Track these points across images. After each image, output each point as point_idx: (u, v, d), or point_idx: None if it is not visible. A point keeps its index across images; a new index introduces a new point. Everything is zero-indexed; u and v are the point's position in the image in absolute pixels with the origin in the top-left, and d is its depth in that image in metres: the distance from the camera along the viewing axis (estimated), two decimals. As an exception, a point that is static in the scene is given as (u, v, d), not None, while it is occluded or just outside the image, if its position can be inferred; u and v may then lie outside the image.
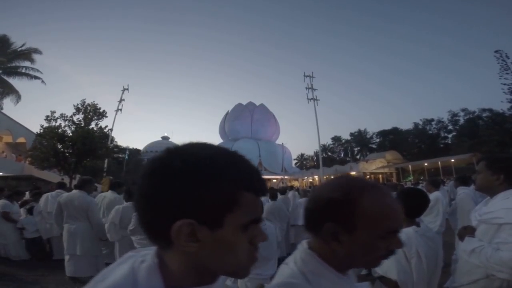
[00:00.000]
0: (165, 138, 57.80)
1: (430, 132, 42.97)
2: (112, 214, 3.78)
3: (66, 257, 4.14)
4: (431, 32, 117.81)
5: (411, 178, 28.23)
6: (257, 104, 47.18)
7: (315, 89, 28.79)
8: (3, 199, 5.45)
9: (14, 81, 22.42)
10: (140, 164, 37.47)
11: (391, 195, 0.68)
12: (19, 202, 6.07)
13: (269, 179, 33.24)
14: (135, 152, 44.32)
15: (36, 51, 23.64)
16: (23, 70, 22.64)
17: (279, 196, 5.88)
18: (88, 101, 14.87)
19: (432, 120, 43.13)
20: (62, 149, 13.71)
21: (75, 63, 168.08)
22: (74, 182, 12.07)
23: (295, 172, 41.89)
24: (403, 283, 1.45)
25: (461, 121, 39.97)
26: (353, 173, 33.16)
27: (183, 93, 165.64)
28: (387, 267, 1.49)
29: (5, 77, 22.03)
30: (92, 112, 14.71)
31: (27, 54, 23.03)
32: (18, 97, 22.57)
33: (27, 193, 7.41)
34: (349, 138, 53.36)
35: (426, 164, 29.61)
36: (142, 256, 0.48)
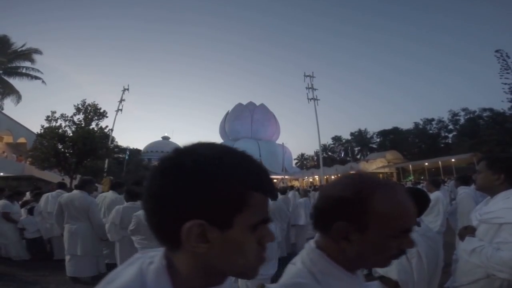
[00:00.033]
0: (165, 138, 57.85)
1: (431, 131, 42.91)
2: (113, 214, 3.78)
3: (67, 257, 4.15)
4: (431, 31, 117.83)
5: (411, 178, 28.20)
6: (257, 104, 47.20)
7: (315, 89, 28.83)
8: (3, 199, 5.45)
9: (15, 82, 22.49)
10: (140, 164, 37.52)
11: (404, 193, 0.66)
12: (20, 202, 6.07)
13: (270, 179, 33.11)
14: (135, 152, 44.35)
15: (37, 51, 23.70)
16: (24, 71, 22.69)
17: (280, 196, 5.88)
18: (88, 101, 14.91)
19: (433, 119, 43.10)
20: (62, 149, 13.72)
21: (75, 63, 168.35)
22: (75, 182, 12.08)
23: (295, 172, 41.87)
24: (403, 283, 1.45)
25: (462, 120, 39.92)
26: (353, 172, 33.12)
27: (183, 93, 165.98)
28: (388, 267, 1.49)
29: (6, 78, 22.06)
30: (93, 112, 14.73)
31: (27, 54, 23.07)
32: (19, 97, 22.62)
33: (27, 193, 7.42)
34: (349, 138, 53.34)
35: (426, 164, 29.59)
36: (150, 258, 0.48)
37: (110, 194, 4.82)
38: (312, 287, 0.62)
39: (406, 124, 76.87)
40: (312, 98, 28.47)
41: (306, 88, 28.83)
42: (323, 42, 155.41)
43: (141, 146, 53.71)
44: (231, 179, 0.44)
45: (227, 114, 47.96)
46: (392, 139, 45.15)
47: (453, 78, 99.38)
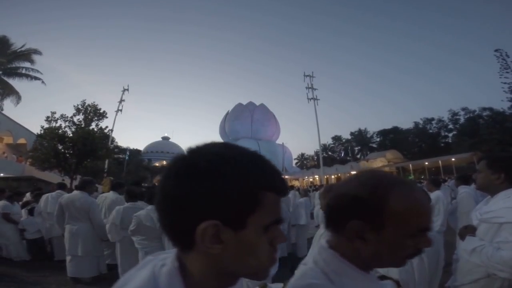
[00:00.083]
0: (165, 139, 57.90)
1: (431, 131, 42.91)
2: (113, 214, 3.78)
3: (68, 258, 4.15)
4: (431, 31, 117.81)
5: (411, 177, 28.20)
6: (257, 104, 47.20)
7: (315, 89, 28.81)
8: (3, 200, 5.45)
9: (14, 82, 22.48)
10: (140, 164, 37.51)
11: (421, 191, 0.65)
12: (21, 203, 6.07)
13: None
14: (135, 152, 44.34)
15: (36, 51, 23.68)
16: (23, 71, 22.67)
17: (280, 196, 5.87)
18: (88, 102, 14.92)
19: (433, 119, 43.10)
20: (62, 150, 13.73)
21: (74, 63, 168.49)
22: (75, 182, 12.08)
23: (295, 172, 41.88)
24: (405, 282, 1.45)
25: (462, 120, 39.91)
26: (353, 172, 33.14)
27: (183, 93, 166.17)
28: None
29: (5, 78, 22.05)
30: (93, 112, 14.73)
31: (27, 55, 23.06)
32: (18, 98, 22.60)
33: (28, 194, 7.42)
34: (349, 137, 53.31)
35: (426, 163, 29.59)
36: (162, 260, 0.48)
37: (110, 195, 4.82)
38: None
39: (406, 123, 76.99)
40: (312, 98, 28.46)
41: (306, 88, 28.84)
42: (323, 42, 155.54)
43: (141, 147, 53.74)
44: (245, 179, 0.44)
45: (227, 114, 47.97)
46: (392, 138, 45.14)
47: (453, 78, 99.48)
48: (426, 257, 1.47)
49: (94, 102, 15.03)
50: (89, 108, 14.69)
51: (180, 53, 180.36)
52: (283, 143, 40.22)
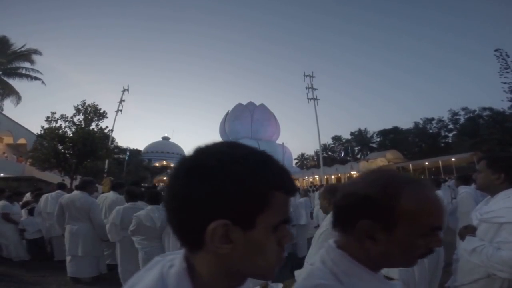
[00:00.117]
0: (165, 139, 57.94)
1: (431, 131, 42.89)
2: (113, 214, 3.78)
3: (68, 258, 4.15)
4: (431, 30, 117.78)
5: (411, 177, 28.14)
6: (257, 104, 47.22)
7: (315, 89, 28.80)
8: (3, 200, 5.45)
9: (14, 82, 22.49)
10: (140, 164, 37.52)
11: (433, 190, 0.64)
12: (21, 203, 6.07)
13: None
14: (135, 152, 44.36)
15: (36, 52, 23.69)
16: (23, 71, 22.69)
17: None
18: (88, 102, 14.92)
19: (433, 119, 43.07)
20: (62, 150, 13.74)
21: (74, 62, 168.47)
22: (75, 183, 12.09)
23: (295, 172, 41.86)
24: (405, 282, 1.45)
25: (462, 120, 39.90)
26: (353, 172, 33.15)
27: (183, 92, 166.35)
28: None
29: (5, 78, 22.06)
30: (93, 113, 14.74)
31: (27, 55, 23.07)
32: (19, 98, 22.61)
33: (28, 194, 7.42)
34: (349, 137, 53.28)
35: (426, 163, 29.58)
36: (170, 261, 0.48)
37: (111, 195, 4.82)
38: None
39: (406, 123, 76.98)
40: (312, 98, 28.46)
41: (306, 87, 28.83)
42: (323, 41, 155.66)
43: (141, 147, 53.74)
44: (255, 178, 0.44)
45: (227, 114, 47.99)
46: (392, 138, 45.12)
47: (453, 78, 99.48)
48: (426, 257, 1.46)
49: (94, 102, 15.06)
50: (89, 108, 14.70)
51: (180, 53, 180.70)
52: (283, 143, 40.29)
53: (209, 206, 0.42)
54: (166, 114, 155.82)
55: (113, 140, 23.69)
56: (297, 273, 1.93)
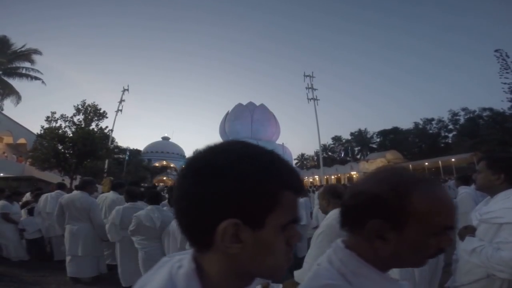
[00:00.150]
0: (165, 139, 57.83)
1: (431, 131, 42.89)
2: (113, 214, 3.79)
3: (68, 258, 4.15)
4: (430, 30, 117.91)
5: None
6: (257, 104, 47.25)
7: (315, 89, 28.81)
8: (2, 200, 5.44)
9: (14, 82, 22.49)
10: (140, 164, 37.50)
11: (444, 189, 0.63)
12: (21, 203, 6.07)
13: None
14: (135, 152, 44.34)
15: (36, 51, 23.70)
16: (23, 71, 22.69)
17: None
18: (88, 101, 14.94)
19: (433, 119, 43.08)
20: (62, 150, 13.75)
21: (73, 62, 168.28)
22: (75, 182, 12.09)
23: (295, 172, 41.79)
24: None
25: (462, 120, 39.91)
26: (353, 172, 33.16)
27: (183, 92, 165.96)
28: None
29: (5, 78, 22.06)
30: (93, 113, 14.75)
31: (27, 55, 23.07)
32: (19, 98, 22.61)
33: (28, 194, 7.42)
34: (349, 137, 53.30)
35: (426, 163, 29.59)
36: (178, 261, 0.48)
37: (111, 195, 4.82)
38: None
39: (406, 124, 76.88)
40: (312, 98, 28.47)
41: (306, 88, 28.84)
42: (323, 41, 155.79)
43: (141, 147, 53.68)
44: (265, 178, 0.44)
45: (227, 114, 48.00)
46: (392, 139, 45.13)
47: (453, 78, 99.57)
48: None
49: (94, 102, 15.08)
50: (89, 108, 14.72)
51: (180, 52, 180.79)
52: (283, 143, 40.23)
53: (219, 206, 0.42)
54: (166, 114, 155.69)
55: (113, 140, 23.70)
56: (296, 273, 1.94)
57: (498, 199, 1.50)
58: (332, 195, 2.09)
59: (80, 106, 14.56)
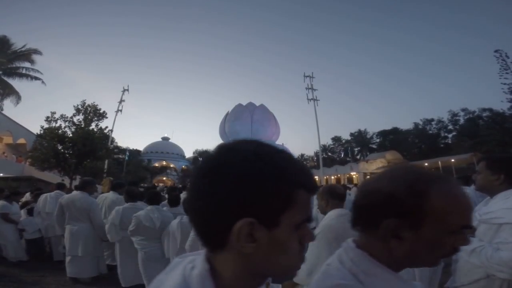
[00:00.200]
0: (165, 139, 57.84)
1: (430, 132, 42.91)
2: (113, 215, 3.78)
3: (68, 258, 4.15)
4: (430, 29, 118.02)
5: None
6: (257, 104, 47.28)
7: (315, 89, 28.85)
8: (2, 200, 5.43)
9: (14, 82, 22.50)
10: (140, 165, 37.50)
11: (460, 187, 0.62)
12: (20, 203, 6.06)
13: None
14: (135, 152, 44.35)
15: (36, 51, 23.71)
16: (23, 71, 22.69)
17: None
18: (88, 101, 14.93)
19: (432, 120, 43.10)
20: (62, 150, 13.73)
21: (73, 61, 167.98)
22: (75, 183, 12.08)
23: (295, 172, 41.76)
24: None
25: (461, 121, 39.93)
26: (353, 173, 33.17)
27: (183, 92, 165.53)
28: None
29: (5, 78, 22.07)
30: (92, 113, 14.74)
31: (27, 55, 23.09)
32: (18, 98, 22.62)
33: (27, 194, 7.41)
34: (349, 138, 53.32)
35: (426, 164, 29.50)
36: (191, 262, 0.48)
37: (111, 195, 4.82)
38: None
39: (405, 124, 76.95)
40: (311, 99, 28.49)
41: (306, 88, 28.87)
42: (323, 40, 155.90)
43: (141, 147, 53.69)
44: (280, 176, 0.44)
45: (227, 114, 48.01)
46: (392, 139, 45.13)
47: (453, 78, 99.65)
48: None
49: (94, 102, 15.06)
50: (89, 108, 14.70)
51: (180, 52, 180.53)
52: (283, 143, 40.26)
53: (234, 205, 0.42)
54: (166, 114, 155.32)
55: (113, 140, 23.73)
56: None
57: (498, 199, 1.50)
58: (331, 195, 2.09)
59: (80, 106, 14.54)
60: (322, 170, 28.11)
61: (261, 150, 0.46)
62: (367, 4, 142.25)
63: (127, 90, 29.50)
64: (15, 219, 5.38)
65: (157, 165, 46.92)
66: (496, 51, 26.01)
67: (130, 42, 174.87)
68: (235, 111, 46.36)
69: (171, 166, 49.73)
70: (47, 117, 13.80)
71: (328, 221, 1.94)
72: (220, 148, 0.48)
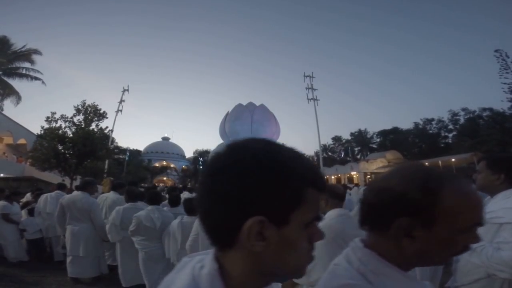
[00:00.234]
0: (165, 139, 57.84)
1: (431, 131, 42.88)
2: (113, 215, 3.79)
3: (69, 258, 4.15)
4: (430, 28, 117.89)
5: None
6: (257, 104, 47.29)
7: (315, 89, 28.85)
8: (2, 201, 5.43)
9: (14, 82, 22.51)
10: (140, 165, 37.50)
11: (471, 185, 0.62)
12: (21, 203, 6.06)
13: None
14: (135, 153, 44.35)
15: (36, 52, 23.72)
16: (23, 71, 22.71)
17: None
18: (88, 102, 14.95)
19: (433, 119, 43.06)
20: (62, 150, 13.74)
21: (73, 61, 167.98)
22: (75, 183, 12.09)
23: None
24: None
25: (462, 120, 39.88)
26: (353, 173, 33.15)
27: (184, 92, 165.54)
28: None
29: (6, 78, 22.08)
30: (93, 113, 14.75)
31: (27, 55, 23.10)
32: (19, 98, 22.63)
33: (28, 194, 7.41)
34: (349, 138, 53.29)
35: (426, 163, 28.95)
36: (199, 262, 0.47)
37: (111, 195, 4.82)
38: None
39: (406, 124, 76.90)
40: (312, 99, 28.49)
41: (306, 88, 28.87)
42: (323, 40, 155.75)
43: (141, 147, 53.68)
44: (291, 175, 0.43)
45: (227, 114, 48.02)
46: (392, 139, 45.10)
47: (453, 78, 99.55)
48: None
49: (94, 102, 15.08)
50: (89, 109, 14.72)
51: (180, 52, 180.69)
52: (283, 143, 40.13)
53: (245, 203, 0.42)
54: (166, 114, 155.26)
55: (113, 140, 23.73)
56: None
57: (498, 199, 1.50)
58: (331, 195, 2.09)
59: (80, 107, 14.56)
60: (323, 170, 28.10)
61: (270, 148, 0.46)
62: (367, 2, 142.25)
63: (127, 90, 29.54)
64: (16, 220, 5.38)
65: (157, 165, 46.94)
66: (496, 50, 26.01)
67: (130, 41, 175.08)
68: (235, 111, 46.34)
69: (172, 166, 49.74)
70: (48, 117, 13.82)
71: (327, 221, 1.94)
72: (229, 146, 0.47)
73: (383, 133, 48.20)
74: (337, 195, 2.08)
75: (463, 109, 39.82)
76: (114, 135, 23.86)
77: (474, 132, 31.95)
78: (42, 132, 13.70)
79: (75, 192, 4.36)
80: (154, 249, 3.39)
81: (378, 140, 49.79)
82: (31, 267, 4.93)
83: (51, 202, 5.38)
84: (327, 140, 55.37)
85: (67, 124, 14.12)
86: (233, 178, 0.42)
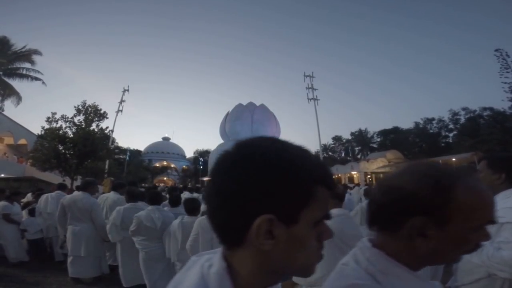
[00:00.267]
0: (165, 139, 57.86)
1: (431, 131, 42.84)
2: (113, 215, 3.79)
3: (70, 258, 4.16)
4: (431, 28, 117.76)
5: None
6: (258, 104, 47.33)
7: (315, 89, 28.85)
8: (3, 201, 5.44)
9: (15, 83, 22.54)
10: (141, 165, 37.54)
11: (482, 182, 0.61)
12: (22, 204, 6.07)
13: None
14: (136, 153, 44.39)
15: (36, 52, 23.75)
16: (24, 72, 22.73)
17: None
18: (88, 102, 14.98)
19: (433, 119, 43.02)
20: (63, 151, 13.77)
21: (73, 60, 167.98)
22: (76, 183, 12.11)
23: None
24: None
25: (462, 120, 39.83)
26: (354, 172, 33.14)
27: (184, 92, 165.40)
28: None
29: (6, 79, 22.10)
30: (93, 113, 14.76)
31: (27, 55, 23.13)
32: (19, 98, 22.66)
33: (29, 194, 7.42)
34: (349, 137, 53.27)
35: (427, 163, 29.49)
36: (208, 260, 0.47)
37: (112, 195, 4.82)
38: None
39: (406, 123, 76.85)
40: (312, 98, 28.50)
41: (306, 88, 28.87)
42: (324, 40, 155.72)
43: (141, 147, 53.72)
44: (300, 172, 0.43)
45: (227, 114, 48.04)
46: (392, 138, 45.08)
47: (453, 78, 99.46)
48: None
49: (94, 102, 15.10)
50: (90, 109, 14.74)
51: (180, 51, 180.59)
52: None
53: (254, 202, 0.41)
54: (166, 114, 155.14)
55: (113, 141, 23.75)
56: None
57: (499, 198, 1.50)
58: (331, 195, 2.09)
59: (80, 107, 14.58)
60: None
61: (278, 146, 0.45)
62: (368, 1, 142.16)
63: (128, 90, 29.55)
64: (16, 220, 5.39)
65: (157, 165, 47.00)
66: (496, 50, 25.97)
67: (130, 41, 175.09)
68: (236, 111, 46.36)
69: (172, 166, 49.80)
70: (48, 118, 13.85)
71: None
72: (237, 145, 0.47)
73: (383, 133, 48.18)
74: (336, 195, 2.07)
75: (464, 109, 39.77)
76: (114, 135, 23.89)
77: (474, 132, 31.93)
78: (42, 132, 13.73)
79: (76, 192, 4.37)
80: (155, 249, 3.39)
81: (378, 139, 49.77)
82: (32, 267, 4.93)
83: (52, 202, 5.39)
84: (328, 140, 55.37)
85: (67, 124, 14.15)
86: (241, 176, 0.42)
